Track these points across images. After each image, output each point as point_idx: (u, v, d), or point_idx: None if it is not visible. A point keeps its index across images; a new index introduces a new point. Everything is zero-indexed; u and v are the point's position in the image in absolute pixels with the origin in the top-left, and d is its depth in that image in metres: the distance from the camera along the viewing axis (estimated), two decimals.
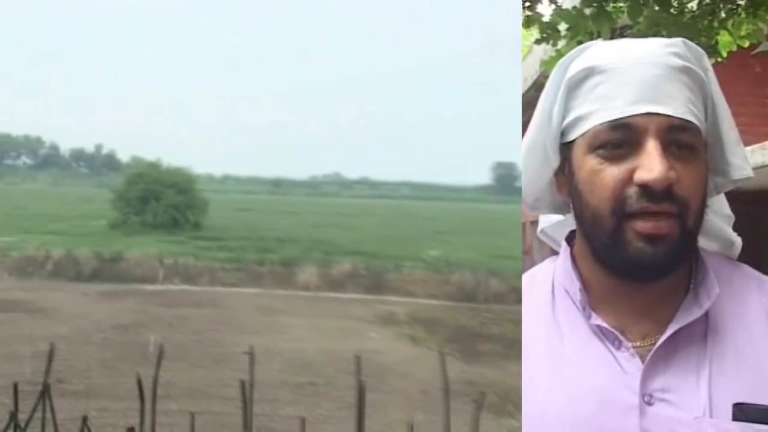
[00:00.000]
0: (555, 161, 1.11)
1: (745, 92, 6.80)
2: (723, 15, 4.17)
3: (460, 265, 12.26)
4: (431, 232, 17.33)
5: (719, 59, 4.21)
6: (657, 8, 3.99)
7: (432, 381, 5.13)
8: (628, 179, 0.98)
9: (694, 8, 4.14)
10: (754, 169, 1.14)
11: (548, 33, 4.19)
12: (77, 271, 11.97)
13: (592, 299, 1.09)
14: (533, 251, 12.21)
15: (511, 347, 8.23)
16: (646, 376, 1.01)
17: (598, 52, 1.07)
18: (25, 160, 51.54)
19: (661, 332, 1.03)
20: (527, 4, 4.33)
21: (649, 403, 1.00)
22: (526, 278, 1.23)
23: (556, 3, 4.33)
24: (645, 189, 0.97)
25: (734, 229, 1.21)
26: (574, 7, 4.12)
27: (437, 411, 4.11)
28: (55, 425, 3.85)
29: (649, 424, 0.99)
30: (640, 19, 3.99)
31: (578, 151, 1.05)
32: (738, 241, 1.19)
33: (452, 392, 4.14)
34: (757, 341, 1.03)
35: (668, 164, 0.96)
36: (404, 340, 8.48)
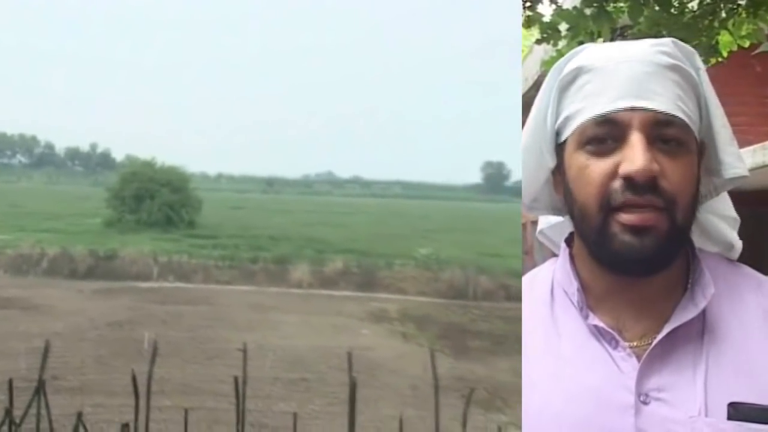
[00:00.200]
0: (551, 162, 1.12)
1: (746, 92, 6.78)
2: (723, 15, 4.15)
3: (450, 262, 12.27)
4: (422, 230, 17.34)
5: (720, 59, 4.18)
6: (657, 8, 3.96)
7: (422, 377, 5.13)
8: (614, 173, 0.98)
9: (695, 8, 4.12)
10: (755, 169, 1.12)
11: (549, 33, 4.17)
12: (72, 269, 11.92)
13: (590, 299, 1.09)
14: (534, 252, 12.20)
15: (500, 343, 8.25)
16: (642, 376, 1.01)
17: (589, 53, 1.08)
18: (21, 158, 51.29)
19: (658, 332, 1.03)
20: (528, 4, 4.31)
21: (645, 402, 1.00)
22: (527, 279, 1.23)
23: (556, 3, 4.31)
24: (629, 181, 0.96)
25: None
26: (575, 7, 4.09)
27: (427, 406, 4.12)
28: (50, 421, 3.83)
29: (645, 423, 0.99)
30: (641, 19, 3.97)
31: (569, 150, 1.06)
32: (738, 244, 1.18)
33: (442, 388, 4.14)
34: (754, 341, 1.02)
35: (651, 157, 0.96)
36: (395, 337, 8.48)
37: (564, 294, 1.12)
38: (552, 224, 1.26)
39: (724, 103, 1.11)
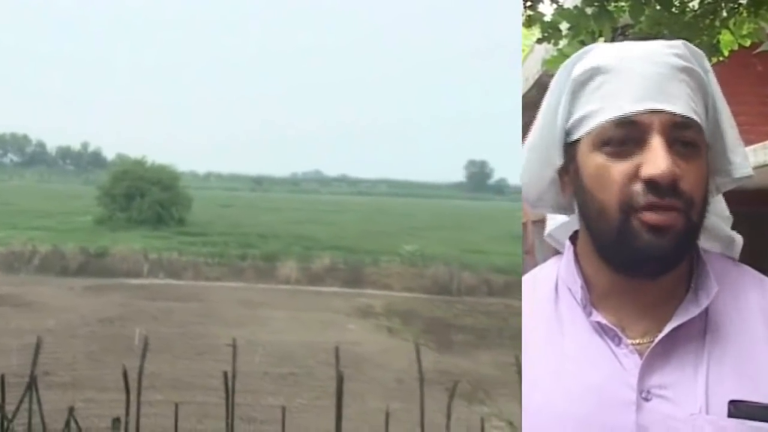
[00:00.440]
0: (558, 160, 1.10)
1: (747, 91, 6.70)
2: (724, 14, 4.09)
3: (435, 259, 12.29)
4: (407, 227, 17.33)
5: (721, 58, 4.11)
6: (658, 7, 3.89)
7: (408, 370, 5.15)
8: (635, 175, 0.97)
9: (696, 7, 4.05)
10: (756, 168, 1.10)
11: (550, 32, 4.10)
12: (63, 266, 11.83)
13: (594, 297, 1.08)
14: (535, 251, 12.02)
15: (483, 337, 8.29)
16: (644, 373, 1.00)
17: (602, 53, 1.06)
18: (13, 157, 50.73)
19: (660, 330, 1.02)
20: (528, 3, 4.23)
21: (647, 399, 0.99)
22: (530, 277, 1.22)
23: (557, 2, 4.24)
24: (651, 184, 0.96)
25: (736, 229, 1.19)
26: (576, 7, 4.03)
27: (413, 399, 4.14)
28: (42, 416, 3.81)
29: (646, 419, 0.98)
30: (642, 19, 3.90)
31: (584, 149, 1.04)
32: (739, 239, 1.18)
33: (427, 381, 4.17)
34: (755, 341, 1.01)
35: (673, 160, 0.96)
36: (381, 332, 8.50)
37: (568, 292, 1.11)
38: (559, 225, 1.24)
39: None
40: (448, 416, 3.89)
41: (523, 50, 10.51)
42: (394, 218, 19.78)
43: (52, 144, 50.95)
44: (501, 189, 42.16)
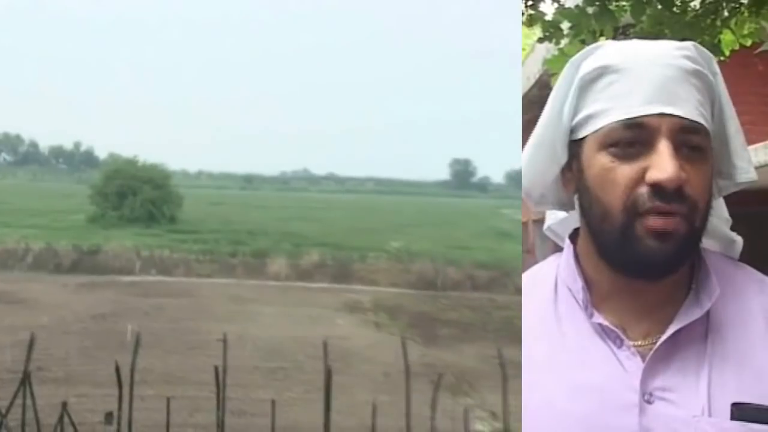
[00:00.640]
0: (563, 158, 1.07)
1: (748, 91, 6.50)
2: (726, 14, 3.99)
3: (420, 255, 12.32)
4: (393, 224, 17.35)
5: (722, 58, 3.99)
6: (660, 7, 3.80)
7: (394, 364, 5.15)
8: (640, 178, 0.94)
9: (697, 7, 3.94)
10: (757, 168, 1.07)
11: (551, 32, 4.00)
12: (56, 264, 11.74)
13: (595, 297, 1.04)
14: (535, 250, 11.94)
15: (467, 331, 8.31)
16: (647, 375, 0.97)
17: (611, 51, 1.02)
18: (6, 156, 50.25)
19: (662, 332, 0.99)
20: (529, 2, 4.13)
21: (649, 402, 0.96)
22: (530, 275, 1.18)
23: (558, 2, 4.15)
24: (657, 188, 0.93)
25: (737, 230, 1.16)
26: (577, 6, 3.93)
27: (399, 392, 4.14)
28: (36, 411, 3.78)
29: (649, 422, 0.95)
30: (643, 18, 3.80)
31: (589, 149, 1.01)
32: (739, 240, 1.15)
33: (413, 374, 4.17)
34: (757, 342, 0.99)
35: (679, 165, 0.93)
36: (369, 326, 8.49)
37: (568, 291, 1.08)
38: (560, 220, 1.21)
39: None
40: (433, 408, 3.90)
41: (524, 49, 10.32)
42: (380, 215, 19.80)
43: (44, 144, 50.58)
44: (484, 187, 42.31)
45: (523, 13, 4.18)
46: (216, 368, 3.92)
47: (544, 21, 4.06)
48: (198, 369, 5.62)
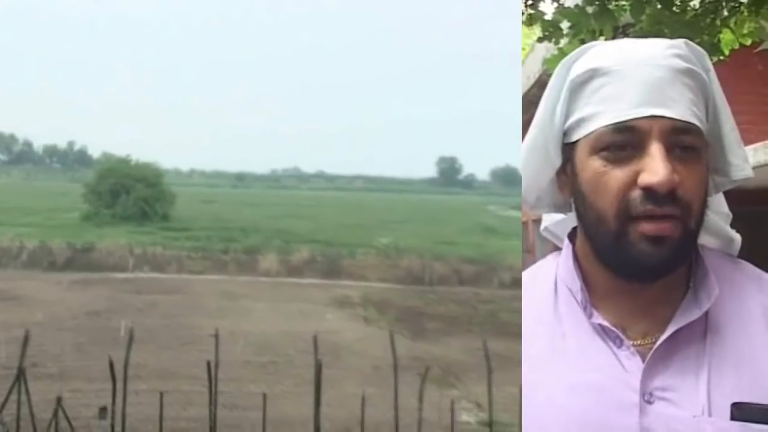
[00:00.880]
0: (557, 161, 1.04)
1: (747, 90, 6.42)
2: (725, 13, 3.93)
3: (408, 251, 12.33)
4: (382, 221, 17.36)
5: (721, 57, 3.94)
6: (659, 6, 3.74)
7: (383, 357, 5.15)
8: (632, 182, 0.92)
9: (697, 6, 3.88)
10: (756, 167, 1.02)
11: (550, 31, 3.94)
12: (51, 261, 11.65)
13: (594, 297, 1.02)
14: (535, 249, 11.88)
15: (453, 325, 8.33)
16: (647, 375, 0.95)
17: (601, 53, 0.99)
18: (0, 156, 49.81)
19: (661, 331, 0.97)
20: (529, 2, 4.06)
21: (649, 402, 0.94)
22: (529, 274, 1.15)
23: (558, 1, 4.07)
24: (649, 192, 0.90)
25: (736, 228, 1.13)
26: (577, 6, 3.87)
27: (388, 384, 4.15)
28: (31, 407, 3.76)
29: (649, 422, 0.93)
30: (643, 18, 3.74)
31: (581, 153, 0.98)
32: (737, 237, 1.12)
33: (401, 367, 4.18)
34: (756, 341, 0.97)
35: (671, 167, 0.90)
36: (358, 321, 8.49)
37: (568, 291, 1.05)
38: (557, 221, 1.18)
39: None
40: (421, 400, 3.91)
41: (524, 49, 10.19)
42: (369, 212, 19.79)
43: (38, 143, 50.20)
44: (470, 184, 42.40)
45: (522, 13, 4.10)
46: (208, 363, 3.90)
47: (544, 20, 3.99)
48: (190, 364, 5.60)
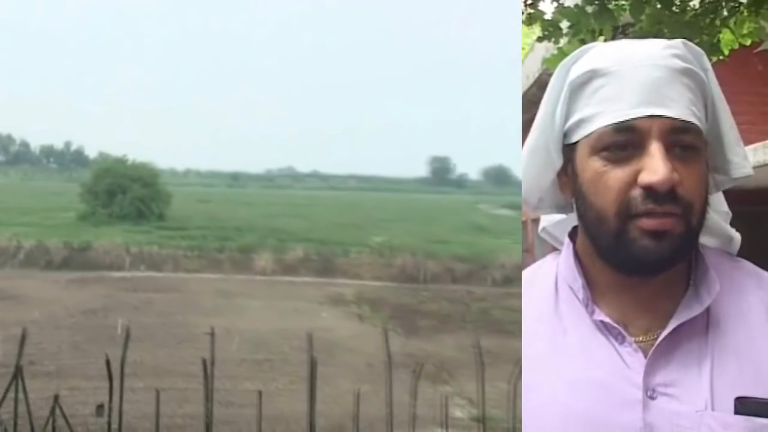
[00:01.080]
0: (558, 162, 1.04)
1: (747, 90, 6.35)
2: (725, 13, 3.89)
3: (401, 249, 12.32)
4: (375, 220, 17.35)
5: (721, 57, 3.89)
6: (659, 6, 3.70)
7: (377, 355, 5.15)
8: (633, 181, 0.92)
9: (696, 6, 3.84)
10: (756, 167, 0.99)
11: (550, 31, 3.90)
12: (48, 260, 11.59)
13: (595, 294, 1.02)
14: (534, 249, 11.85)
15: (446, 322, 8.33)
16: (649, 371, 0.95)
17: (600, 54, 0.99)
18: None
19: (663, 327, 0.96)
20: (529, 1, 4.01)
21: (652, 397, 0.94)
22: (529, 273, 1.15)
23: (558, 1, 4.02)
24: (649, 191, 0.90)
25: (735, 227, 1.13)
26: (577, 5, 3.83)
27: (381, 381, 4.14)
28: (28, 404, 3.74)
29: (652, 417, 0.93)
30: (642, 17, 3.71)
31: (582, 153, 0.98)
32: (737, 236, 1.11)
33: (394, 364, 4.17)
34: (758, 336, 0.96)
35: (671, 166, 0.90)
36: (352, 319, 8.49)
37: (569, 289, 1.05)
38: (555, 222, 1.18)
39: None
40: (414, 396, 3.91)
41: (524, 48, 10.10)
42: (363, 212, 19.77)
43: (35, 143, 49.95)
44: (462, 183, 42.45)
45: (522, 12, 4.06)
46: (204, 361, 3.88)
47: (544, 20, 3.95)
48: (186, 362, 5.59)
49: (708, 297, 0.97)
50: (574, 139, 0.99)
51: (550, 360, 1.01)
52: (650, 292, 0.99)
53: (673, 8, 3.74)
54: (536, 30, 4.15)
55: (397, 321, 8.17)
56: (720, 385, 0.93)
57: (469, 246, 12.95)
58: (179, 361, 5.88)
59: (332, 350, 6.42)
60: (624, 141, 0.93)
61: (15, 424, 3.70)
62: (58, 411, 3.76)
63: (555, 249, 1.16)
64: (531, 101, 1.07)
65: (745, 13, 3.91)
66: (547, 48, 5.17)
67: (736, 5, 3.89)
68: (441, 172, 44.77)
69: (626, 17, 3.87)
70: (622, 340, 0.98)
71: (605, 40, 3.63)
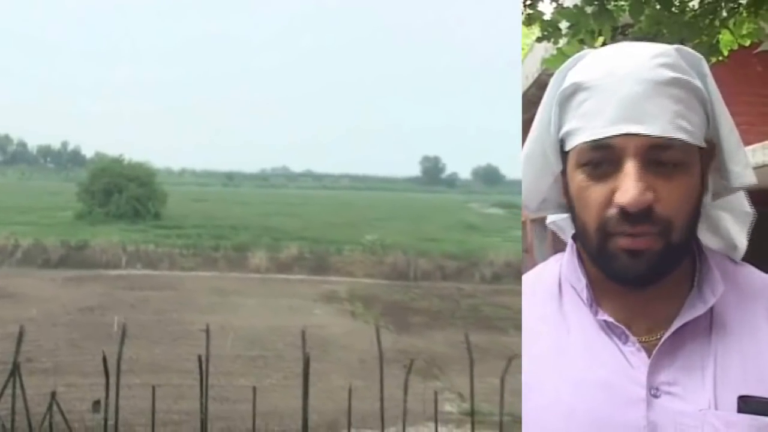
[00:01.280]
0: (557, 166, 1.02)
1: (746, 91, 6.23)
2: (724, 14, 3.80)
3: (393, 247, 12.32)
4: (368, 219, 17.33)
5: (720, 58, 3.81)
6: (658, 7, 3.62)
7: (369, 351, 5.16)
8: (609, 200, 0.90)
9: (696, 7, 3.75)
10: (756, 168, 0.97)
11: (549, 31, 3.82)
12: (45, 259, 11.53)
13: (598, 294, 1.01)
14: (533, 250, 11.79)
15: (437, 319, 8.34)
16: (653, 370, 0.94)
17: (588, 65, 0.96)
18: None
19: (666, 327, 0.95)
20: (528, 2, 3.94)
21: (656, 396, 0.93)
22: (533, 274, 1.13)
23: (557, 1, 3.96)
24: (623, 211, 0.88)
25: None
26: (576, 6, 3.76)
27: (374, 377, 4.14)
28: (25, 401, 3.72)
29: (656, 416, 0.92)
30: (642, 18, 3.59)
31: (571, 164, 0.96)
32: (742, 245, 1.08)
33: (386, 360, 4.17)
34: (762, 337, 0.95)
35: (646, 186, 0.87)
36: (345, 316, 8.49)
37: (572, 289, 1.03)
38: (564, 216, 1.15)
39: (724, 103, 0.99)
40: (405, 391, 3.91)
41: (523, 49, 9.99)
42: (356, 210, 19.76)
43: (33, 143, 49.68)
44: (452, 182, 42.52)
45: (522, 12, 4.01)
46: (199, 357, 3.87)
47: (543, 20, 3.88)
48: (182, 358, 5.58)
49: (712, 297, 0.95)
50: (566, 148, 0.98)
51: (553, 359, 0.99)
52: (654, 293, 0.97)
53: (673, 9, 3.66)
54: (535, 30, 4.08)
55: (389, 318, 8.18)
56: (723, 384, 0.92)
57: (459, 244, 12.97)
58: (175, 358, 5.87)
59: (325, 347, 6.42)
60: (601, 158, 0.90)
61: (13, 420, 3.68)
62: (55, 407, 3.74)
63: (554, 248, 1.15)
64: (530, 101, 1.04)
65: (745, 14, 3.84)
66: (546, 48, 5.12)
67: (736, 6, 3.81)
68: (432, 172, 44.84)
69: (626, 18, 3.80)
70: (625, 340, 0.97)
71: (604, 41, 3.58)
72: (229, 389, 5.03)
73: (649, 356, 0.95)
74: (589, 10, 3.67)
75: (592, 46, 3.55)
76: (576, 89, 0.94)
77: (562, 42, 3.81)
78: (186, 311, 8.01)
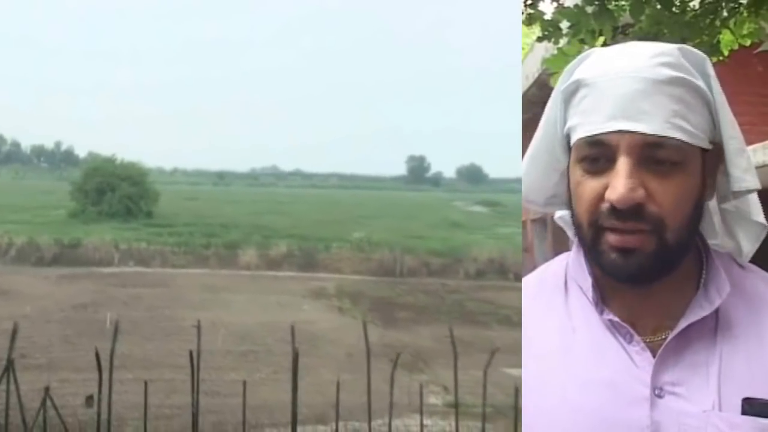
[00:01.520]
0: (564, 162, 0.99)
1: (747, 91, 6.11)
2: (725, 14, 3.71)
3: (380, 244, 12.34)
4: (355, 216, 17.34)
5: (721, 58, 3.73)
6: (659, 7, 3.54)
7: (356, 345, 5.16)
8: (603, 194, 0.88)
9: (696, 7, 3.67)
10: (756, 168, 0.95)
11: (550, 31, 3.74)
12: (39, 257, 11.44)
13: (604, 294, 0.98)
14: (533, 250, 11.68)
15: (422, 314, 8.36)
16: (657, 370, 0.91)
17: (590, 63, 0.95)
18: None
19: (671, 327, 0.92)
20: (529, 1, 3.86)
21: (660, 396, 0.90)
22: (538, 273, 1.11)
23: (557, 1, 3.89)
24: (613, 207, 0.87)
25: None
26: (576, 5, 3.68)
27: (361, 371, 4.14)
28: (19, 396, 3.68)
29: (660, 416, 0.89)
30: (642, 18, 3.54)
31: (572, 160, 0.95)
32: (748, 251, 1.04)
33: (373, 354, 4.17)
34: (767, 339, 0.92)
35: (636, 183, 0.86)
36: (333, 311, 8.49)
37: (578, 288, 1.01)
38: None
39: None
40: (392, 384, 3.92)
41: (523, 48, 9.87)
42: (343, 209, 19.75)
43: (26, 143, 49.18)
44: (437, 181, 42.58)
45: (522, 12, 3.94)
46: (191, 353, 3.85)
47: (543, 20, 3.81)
48: (174, 354, 5.55)
49: (718, 298, 0.93)
50: (570, 144, 0.96)
51: (559, 358, 0.97)
52: (659, 293, 0.94)
53: (673, 9, 3.59)
54: (536, 30, 4.01)
55: (376, 313, 8.19)
56: (728, 385, 0.89)
57: (444, 241, 13.01)
58: (167, 354, 5.84)
59: (314, 342, 6.42)
60: (597, 154, 0.89)
61: (7, 416, 3.65)
62: (48, 402, 3.71)
63: (554, 248, 1.13)
64: (530, 101, 0.99)
65: (745, 14, 3.76)
66: (546, 48, 5.07)
67: (736, 6, 3.70)
68: (417, 171, 44.88)
69: (626, 17, 3.72)
70: (630, 339, 0.94)
71: (605, 41, 3.51)
72: (220, 384, 5.01)
73: (654, 356, 0.92)
74: (589, 9, 3.59)
75: (592, 46, 3.44)
76: (578, 86, 0.93)
77: (562, 42, 3.74)
78: (178, 308, 7.98)
